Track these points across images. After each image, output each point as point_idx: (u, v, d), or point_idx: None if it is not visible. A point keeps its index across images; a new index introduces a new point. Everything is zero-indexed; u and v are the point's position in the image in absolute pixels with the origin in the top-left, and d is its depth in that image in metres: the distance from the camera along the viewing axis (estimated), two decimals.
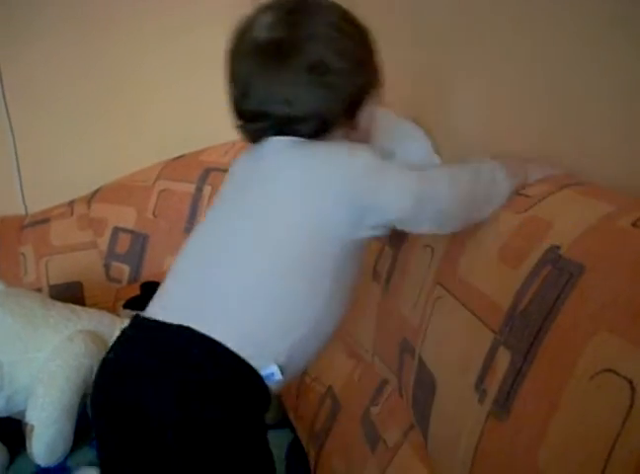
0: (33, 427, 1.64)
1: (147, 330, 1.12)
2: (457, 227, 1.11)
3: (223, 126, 2.31)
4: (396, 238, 1.36)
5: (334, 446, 1.40)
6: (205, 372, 1.04)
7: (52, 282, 2.23)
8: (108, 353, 1.17)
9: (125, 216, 2.32)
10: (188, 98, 2.43)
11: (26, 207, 2.44)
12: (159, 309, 1.12)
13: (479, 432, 0.90)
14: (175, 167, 2.37)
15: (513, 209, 1.05)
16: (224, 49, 1.16)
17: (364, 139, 1.19)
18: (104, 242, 2.30)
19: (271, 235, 1.09)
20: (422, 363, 1.11)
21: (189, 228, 2.24)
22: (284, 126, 1.11)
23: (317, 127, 1.11)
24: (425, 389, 1.09)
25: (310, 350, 1.14)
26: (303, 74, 1.09)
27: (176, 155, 2.40)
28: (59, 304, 1.84)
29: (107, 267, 2.28)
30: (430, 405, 1.05)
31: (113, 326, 1.82)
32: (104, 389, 1.13)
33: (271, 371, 1.06)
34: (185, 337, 1.05)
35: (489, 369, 0.91)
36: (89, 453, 1.73)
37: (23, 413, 1.68)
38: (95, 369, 1.68)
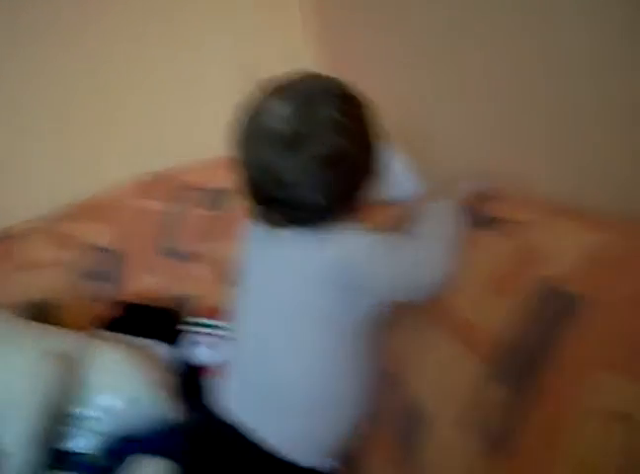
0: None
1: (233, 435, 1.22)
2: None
3: (202, 142, 2.30)
4: None
5: None
6: None
7: (20, 300, 2.14)
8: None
9: (99, 234, 2.25)
10: (167, 111, 2.37)
11: None
12: (235, 404, 1.25)
13: (470, 469, 0.86)
14: (151, 184, 2.31)
15: (502, 234, 1.02)
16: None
17: (363, 213, 1.26)
18: (75, 259, 2.23)
19: (305, 331, 1.19)
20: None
21: (164, 247, 2.18)
22: (295, 213, 1.19)
23: (324, 214, 1.20)
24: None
25: (357, 422, 1.23)
26: (312, 164, 1.14)
27: (151, 170, 2.34)
28: (26, 324, 1.78)
29: (77, 285, 2.21)
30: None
31: (85, 347, 1.76)
32: None
33: (328, 464, 1.19)
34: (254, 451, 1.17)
35: (480, 403, 0.87)
36: None
37: None
38: (63, 393, 1.66)
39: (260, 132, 1.18)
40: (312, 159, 1.14)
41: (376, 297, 1.17)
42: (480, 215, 1.10)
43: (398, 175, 1.44)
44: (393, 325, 1.21)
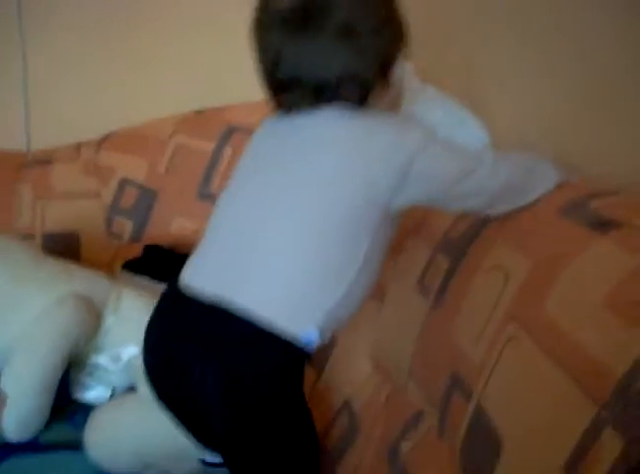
0: (6, 397, 1.46)
1: (188, 304, 1.13)
2: (499, 209, 1.11)
3: (250, 83, 2.18)
4: (454, 248, 1.17)
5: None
6: (246, 348, 1.07)
7: (47, 230, 2.04)
8: (149, 325, 1.20)
9: (135, 168, 2.12)
10: (213, 46, 2.22)
11: (28, 144, 2.23)
12: (196, 276, 1.15)
13: None
14: (195, 121, 2.17)
15: (625, 246, 0.86)
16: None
17: (397, 99, 1.22)
18: (108, 193, 2.11)
19: (313, 200, 1.10)
20: (482, 414, 0.92)
21: (202, 191, 2.05)
22: (320, 94, 1.11)
23: (356, 92, 1.11)
24: (485, 447, 0.89)
25: (344, 313, 1.14)
26: (332, 38, 1.09)
27: (195, 108, 2.20)
28: (52, 261, 1.65)
29: (109, 220, 2.09)
30: (491, 469, 0.86)
31: (108, 292, 1.64)
32: (152, 355, 1.19)
33: (310, 338, 1.08)
34: (221, 314, 1.07)
35: (588, 454, 0.72)
36: (64, 429, 1.56)
37: None
38: (83, 339, 1.54)
39: (269, 15, 1.13)
40: (325, 34, 1.09)
41: (412, 196, 1.10)
42: (591, 214, 0.94)
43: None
44: (463, 319, 1.06)
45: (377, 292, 1.33)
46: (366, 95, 1.11)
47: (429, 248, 1.26)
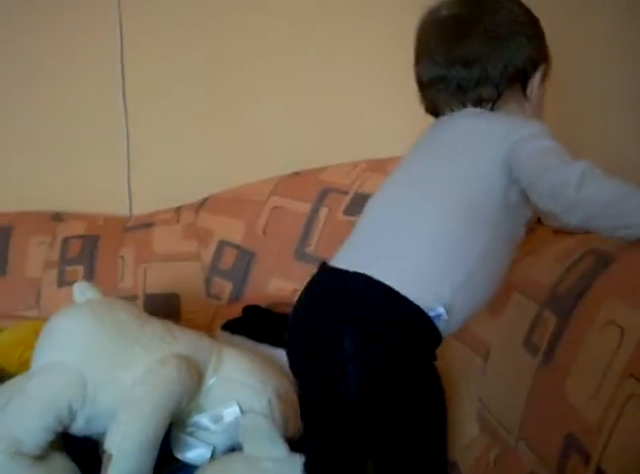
0: (111, 456, 1.46)
1: (331, 277, 1.23)
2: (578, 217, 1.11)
3: (345, 146, 2.21)
4: (562, 304, 1.14)
5: None
6: (380, 313, 1.13)
7: (149, 291, 2.09)
8: (300, 296, 1.28)
9: (234, 230, 2.16)
10: (309, 110, 2.29)
11: (131, 209, 2.31)
12: (342, 258, 1.24)
13: None
14: (291, 183, 2.19)
15: None
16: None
17: (537, 115, 1.31)
18: (208, 255, 2.15)
19: (447, 187, 1.20)
20: None
21: (299, 252, 2.06)
22: (460, 91, 1.26)
23: (491, 93, 1.25)
24: None
25: (469, 299, 1.19)
26: (477, 39, 1.24)
27: (291, 171, 2.23)
28: (155, 321, 1.67)
29: (208, 281, 2.13)
30: None
31: (209, 352, 1.65)
32: (295, 329, 1.27)
33: (438, 313, 1.13)
34: (361, 283, 1.16)
35: None
36: None
37: (102, 435, 1.52)
38: (185, 399, 1.55)
39: (428, 22, 1.31)
40: (473, 34, 1.25)
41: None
42: None
43: None
44: (576, 376, 1.02)
45: (481, 350, 1.30)
46: (497, 99, 1.26)
47: (535, 304, 1.23)
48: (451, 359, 1.42)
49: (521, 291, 1.30)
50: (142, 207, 2.30)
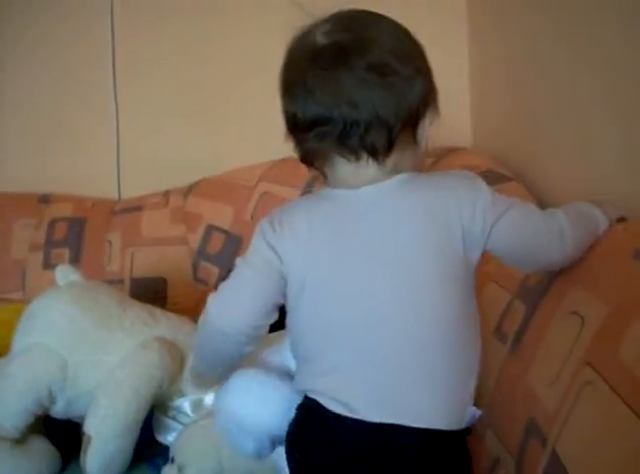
0: (90, 439, 1.49)
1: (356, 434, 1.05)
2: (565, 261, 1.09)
3: None
4: (531, 293, 1.15)
5: None
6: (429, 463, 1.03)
7: (136, 275, 2.10)
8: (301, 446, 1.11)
9: (222, 215, 2.17)
10: None
11: (119, 192, 2.31)
12: (344, 396, 1.05)
13: None
14: (281, 169, 2.20)
15: None
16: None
17: (421, 159, 1.16)
18: (195, 239, 2.16)
19: (429, 301, 1.05)
20: (557, 462, 0.90)
21: None
22: (346, 136, 1.04)
23: (383, 137, 1.05)
24: None
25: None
26: (365, 74, 1.04)
27: (281, 157, 2.23)
28: (137, 305, 1.69)
29: (195, 266, 2.14)
30: None
31: (192, 336, 1.65)
32: None
33: (474, 415, 1.07)
34: (399, 435, 1.02)
35: None
36: (146, 471, 1.58)
37: (83, 418, 1.54)
38: (166, 383, 1.56)
39: (302, 52, 1.08)
40: (359, 71, 1.03)
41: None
42: None
43: None
44: (539, 364, 1.03)
45: None
46: (392, 145, 1.05)
47: (507, 293, 1.24)
48: None
49: (496, 281, 1.31)
50: (131, 191, 2.30)
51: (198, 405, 1.60)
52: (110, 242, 2.14)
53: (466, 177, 1.11)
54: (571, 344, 0.97)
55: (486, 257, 1.38)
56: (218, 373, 1.27)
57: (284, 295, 1.12)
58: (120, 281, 2.07)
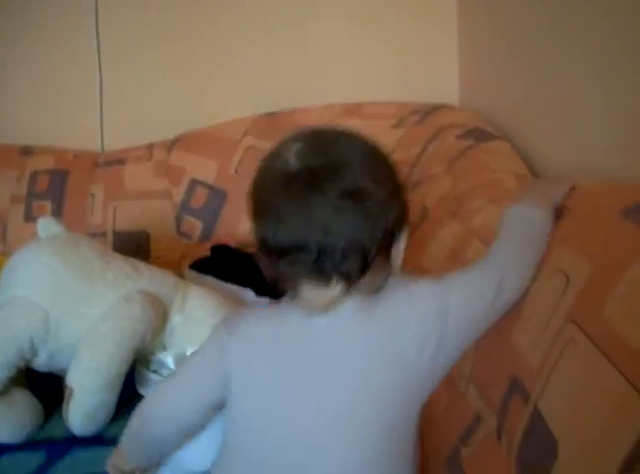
0: (72, 391, 1.49)
1: None
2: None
3: (321, 88, 2.20)
4: None
5: None
6: None
7: (119, 228, 2.09)
8: None
9: (206, 169, 2.16)
10: (285, 51, 2.28)
11: (102, 144, 2.28)
12: None
13: None
14: (266, 124, 2.19)
15: None
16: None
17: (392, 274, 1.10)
18: (179, 193, 2.15)
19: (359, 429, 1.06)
20: (539, 418, 0.90)
21: None
22: (321, 262, 1.01)
23: (357, 262, 1.02)
24: (541, 450, 0.88)
25: None
26: (339, 201, 1.00)
27: (266, 111, 2.22)
28: (121, 259, 1.67)
29: (178, 220, 2.13)
30: (546, 472, 0.85)
31: (175, 290, 1.65)
32: None
33: None
34: None
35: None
36: None
37: (65, 371, 1.53)
38: (149, 336, 1.56)
39: (275, 175, 1.03)
40: (333, 197, 1.00)
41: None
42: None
43: None
44: (523, 322, 1.04)
45: None
46: (366, 269, 1.03)
47: None
48: None
49: (480, 238, 1.31)
50: (114, 144, 2.28)
51: (180, 359, 1.59)
52: (92, 195, 2.12)
53: (406, 296, 1.08)
54: (556, 302, 0.97)
55: (469, 215, 1.39)
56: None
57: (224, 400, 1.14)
58: (103, 235, 2.06)
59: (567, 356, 0.90)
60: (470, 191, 1.53)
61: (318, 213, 1.00)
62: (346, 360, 1.06)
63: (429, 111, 2.02)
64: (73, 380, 1.49)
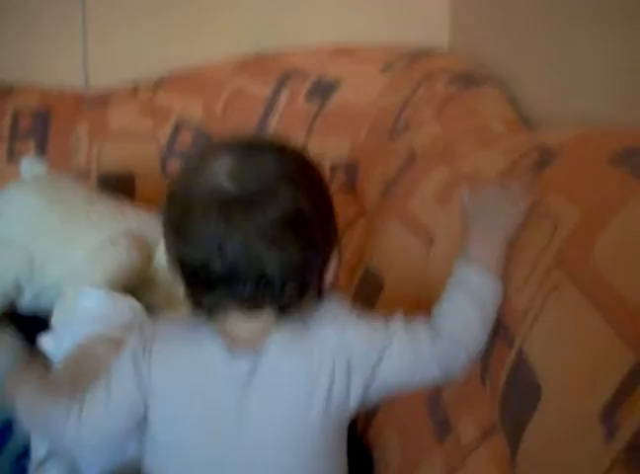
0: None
1: None
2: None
3: (309, 27, 2.16)
4: None
5: (387, 415, 1.23)
6: None
7: (103, 170, 2.06)
8: None
9: (191, 110, 2.12)
10: None
11: (87, 83, 2.24)
12: None
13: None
14: (253, 65, 2.16)
15: None
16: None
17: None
18: (164, 134, 2.11)
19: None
20: (523, 361, 0.91)
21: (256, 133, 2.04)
22: (261, 290, 0.96)
23: (297, 290, 0.98)
24: (524, 394, 0.89)
25: None
26: (280, 230, 0.95)
27: (254, 51, 2.18)
28: (105, 199, 1.67)
29: (164, 162, 2.10)
30: (528, 415, 0.86)
31: (160, 231, 1.64)
32: None
33: None
34: None
35: (625, 400, 0.71)
36: None
37: (50, 311, 1.53)
38: (134, 278, 1.55)
39: (203, 196, 0.97)
40: (272, 224, 0.95)
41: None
42: None
43: None
44: (509, 267, 1.03)
45: (425, 237, 1.32)
46: (305, 295, 0.99)
47: None
48: (393, 245, 1.44)
49: (469, 182, 1.30)
50: (98, 83, 2.22)
51: (168, 299, 1.60)
52: (76, 134, 2.09)
53: (337, 326, 1.02)
54: (542, 248, 0.96)
55: (457, 160, 1.39)
56: None
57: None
58: (87, 176, 2.03)
59: (553, 302, 0.90)
60: (459, 136, 1.52)
61: (258, 244, 0.94)
62: (272, 407, 1.01)
63: (418, 55, 2.00)
64: (58, 322, 1.49)
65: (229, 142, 1.04)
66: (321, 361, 1.00)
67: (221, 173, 0.97)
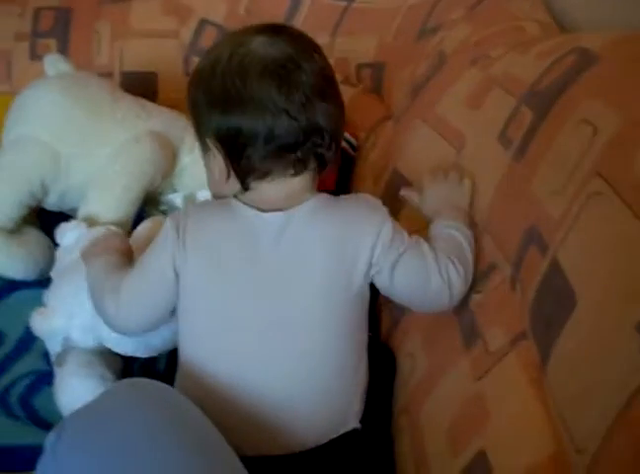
0: None
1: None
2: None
3: None
4: (540, 101, 1.12)
5: (411, 321, 1.23)
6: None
7: (125, 69, 2.03)
8: None
9: (215, 8, 2.08)
10: None
11: None
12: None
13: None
14: None
15: None
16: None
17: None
18: (187, 33, 2.07)
19: (307, 330, 1.05)
20: (558, 269, 0.90)
21: None
22: (311, 151, 1.05)
23: (333, 151, 1.07)
24: (557, 301, 0.88)
25: None
26: (321, 81, 1.05)
27: None
28: (130, 98, 1.64)
29: (186, 61, 2.07)
30: (562, 323, 0.85)
31: (184, 130, 1.63)
32: None
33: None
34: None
35: None
36: None
37: (75, 210, 1.54)
38: (158, 177, 1.55)
39: (248, 64, 1.02)
40: (318, 77, 1.05)
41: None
42: None
43: None
44: (544, 171, 1.02)
45: (456, 142, 1.30)
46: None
47: (513, 99, 1.20)
48: (422, 148, 1.41)
49: (501, 86, 1.27)
50: None
51: (190, 199, 1.60)
52: (98, 33, 2.05)
53: (374, 209, 1.09)
54: (581, 153, 0.94)
55: (489, 62, 1.35)
56: None
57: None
58: (110, 75, 2.00)
59: (591, 209, 0.88)
60: (490, 38, 1.48)
61: (314, 99, 1.02)
62: (303, 262, 1.04)
63: None
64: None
65: (250, 26, 1.10)
66: (351, 237, 1.05)
67: (260, 43, 1.03)
